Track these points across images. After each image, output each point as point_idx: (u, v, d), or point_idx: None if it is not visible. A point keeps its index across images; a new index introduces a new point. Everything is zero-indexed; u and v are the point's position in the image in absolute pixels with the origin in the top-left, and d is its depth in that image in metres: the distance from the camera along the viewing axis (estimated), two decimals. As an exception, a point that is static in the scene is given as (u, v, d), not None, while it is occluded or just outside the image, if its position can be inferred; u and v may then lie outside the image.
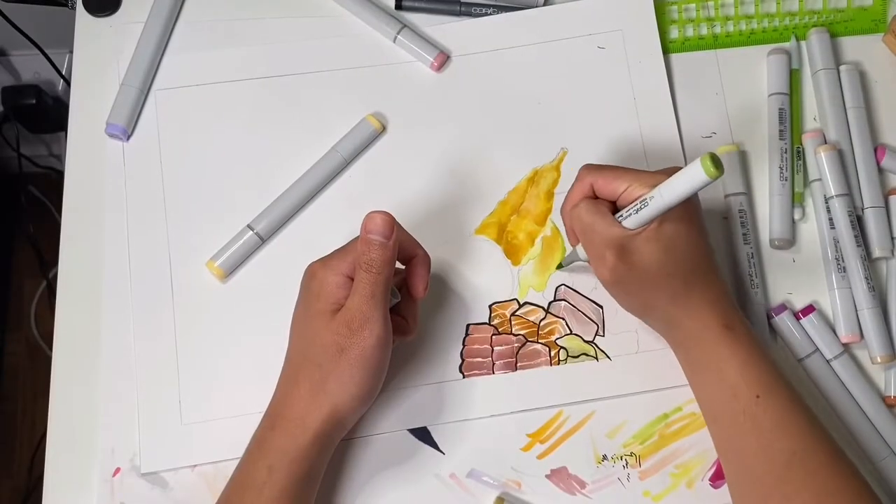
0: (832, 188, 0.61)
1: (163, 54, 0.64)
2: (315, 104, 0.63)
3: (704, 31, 0.65)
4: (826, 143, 0.62)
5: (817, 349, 0.59)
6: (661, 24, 0.65)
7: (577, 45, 0.65)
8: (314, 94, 0.63)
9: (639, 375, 0.58)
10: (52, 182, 1.29)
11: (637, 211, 0.50)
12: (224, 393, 0.57)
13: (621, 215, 0.52)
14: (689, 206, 0.51)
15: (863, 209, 0.61)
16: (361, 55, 0.64)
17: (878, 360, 0.58)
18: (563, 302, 0.60)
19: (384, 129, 0.63)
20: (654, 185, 0.50)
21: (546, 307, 0.60)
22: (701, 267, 0.53)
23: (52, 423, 0.57)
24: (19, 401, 1.32)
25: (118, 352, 0.58)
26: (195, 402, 0.57)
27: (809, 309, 0.59)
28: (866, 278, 0.59)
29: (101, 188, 0.61)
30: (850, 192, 0.61)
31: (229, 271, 0.59)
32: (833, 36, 0.65)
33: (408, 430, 0.57)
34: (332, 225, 0.61)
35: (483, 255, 0.61)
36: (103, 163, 0.62)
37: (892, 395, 0.59)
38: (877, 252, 0.60)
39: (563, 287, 0.60)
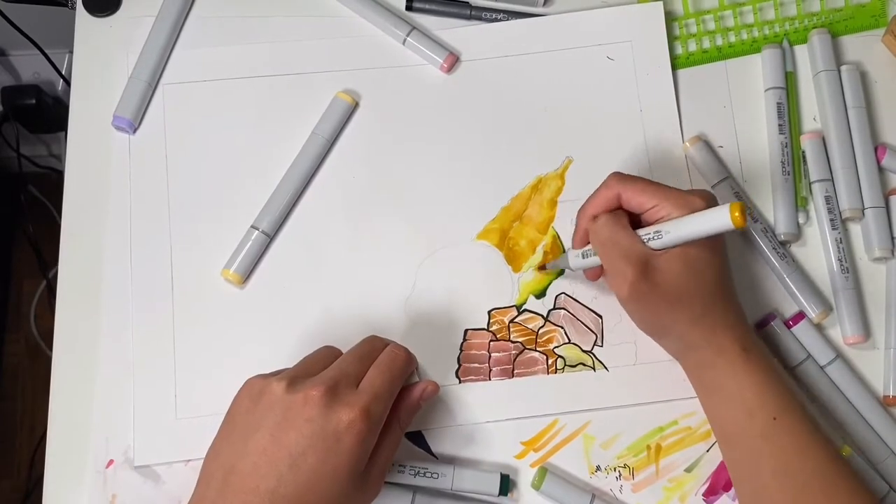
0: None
1: (172, 49, 0.64)
2: (322, 104, 0.63)
3: (707, 44, 0.65)
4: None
5: (810, 356, 0.58)
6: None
7: (586, 55, 0.64)
8: (321, 94, 0.63)
9: (636, 387, 0.58)
10: (52, 182, 1.29)
11: (657, 237, 0.50)
12: (219, 389, 0.56)
13: (640, 234, 0.52)
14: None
15: (863, 209, 0.61)
16: (370, 57, 0.64)
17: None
18: (562, 311, 0.60)
19: (357, 104, 0.63)
20: (681, 207, 0.50)
21: (545, 315, 0.59)
22: (721, 291, 0.52)
23: (52, 423, 0.57)
24: (19, 400, 1.32)
25: (117, 344, 0.58)
26: (190, 397, 0.57)
27: (800, 316, 0.59)
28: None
29: (102, 187, 0.61)
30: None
31: (245, 275, 0.59)
32: (833, 35, 0.65)
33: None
34: (332, 225, 0.61)
35: (484, 260, 0.60)
36: (103, 162, 0.62)
37: (892, 394, 0.58)
38: (877, 252, 0.60)
39: (562, 296, 0.60)
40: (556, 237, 0.61)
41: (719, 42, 0.65)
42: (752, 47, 0.65)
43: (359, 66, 0.64)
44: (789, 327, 0.59)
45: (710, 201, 0.51)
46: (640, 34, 0.65)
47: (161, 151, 0.62)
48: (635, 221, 0.53)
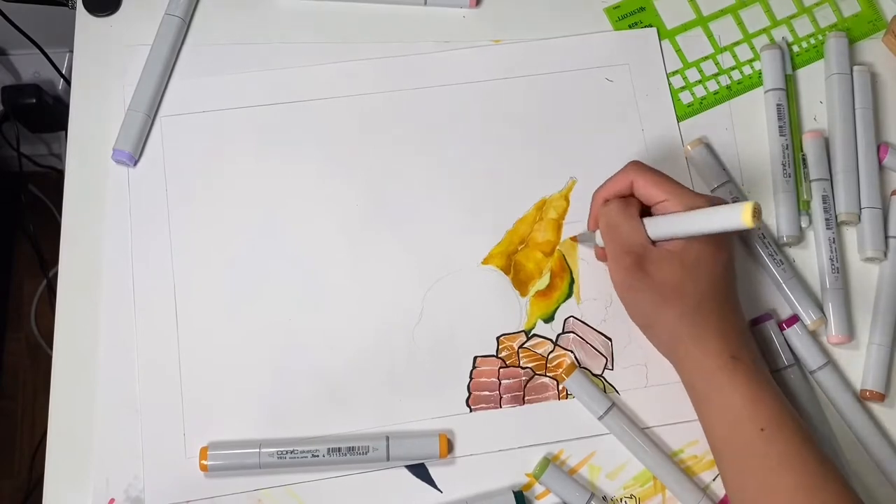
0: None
1: (168, 79, 0.63)
2: (324, 131, 0.62)
3: (715, 86, 0.65)
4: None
5: (796, 362, 0.58)
6: (672, 94, 0.65)
7: (586, 77, 0.64)
8: (323, 120, 0.62)
9: (648, 410, 0.58)
10: (52, 181, 1.29)
11: (666, 226, 0.50)
12: (227, 427, 0.56)
13: (649, 223, 0.52)
14: (724, 235, 0.51)
15: (859, 213, 0.61)
16: (370, 82, 0.63)
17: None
18: (571, 334, 0.59)
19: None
20: (691, 207, 0.50)
21: (554, 340, 0.59)
22: (718, 295, 0.52)
23: (53, 422, 0.56)
24: (20, 399, 1.32)
25: (114, 381, 0.57)
26: (199, 434, 0.56)
27: (793, 319, 0.59)
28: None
29: (102, 188, 0.60)
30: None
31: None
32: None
33: (405, 466, 0.56)
34: (336, 255, 0.60)
35: (491, 285, 0.60)
36: (104, 162, 0.61)
37: (869, 388, 0.58)
38: (869, 253, 0.61)
39: (571, 319, 0.59)
40: (563, 258, 0.60)
41: (726, 82, 0.65)
42: (761, 80, 0.66)
43: (358, 92, 0.63)
44: (783, 329, 0.59)
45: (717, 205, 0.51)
46: (637, 57, 0.65)
47: (161, 183, 0.60)
48: (647, 212, 0.54)
